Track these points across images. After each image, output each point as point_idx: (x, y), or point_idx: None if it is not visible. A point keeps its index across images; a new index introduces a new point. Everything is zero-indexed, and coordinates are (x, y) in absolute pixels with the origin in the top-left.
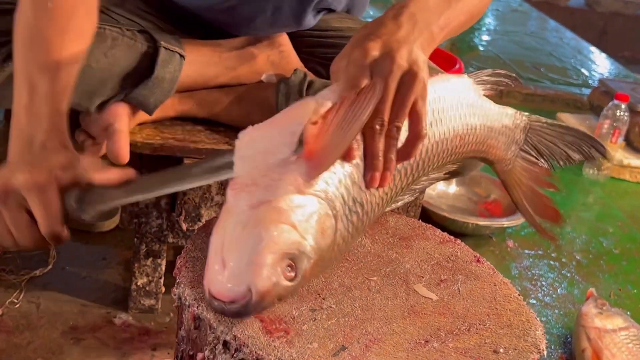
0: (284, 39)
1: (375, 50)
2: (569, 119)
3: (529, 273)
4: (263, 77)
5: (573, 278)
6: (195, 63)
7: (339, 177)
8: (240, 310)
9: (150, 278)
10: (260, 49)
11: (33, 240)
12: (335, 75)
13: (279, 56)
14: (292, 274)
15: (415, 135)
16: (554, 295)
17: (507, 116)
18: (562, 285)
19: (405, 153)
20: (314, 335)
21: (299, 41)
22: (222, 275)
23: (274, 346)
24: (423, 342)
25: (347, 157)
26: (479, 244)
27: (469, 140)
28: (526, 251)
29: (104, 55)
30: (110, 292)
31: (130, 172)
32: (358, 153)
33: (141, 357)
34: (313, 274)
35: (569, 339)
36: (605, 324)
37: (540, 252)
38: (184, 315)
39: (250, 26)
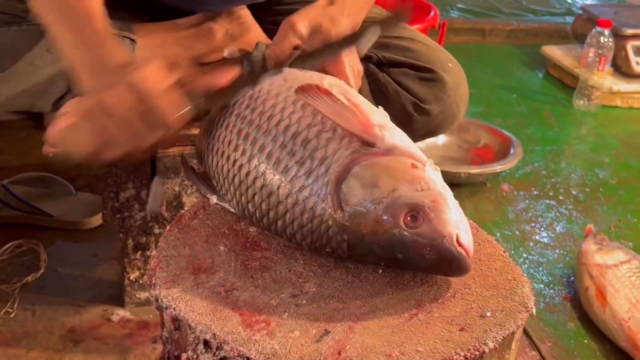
0: (244, 11)
1: None
2: (554, 51)
3: (527, 215)
4: (225, 53)
5: (571, 215)
6: (150, 46)
7: None
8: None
9: (142, 271)
10: (219, 24)
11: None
12: None
13: (240, 29)
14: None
15: None
16: (553, 235)
17: None
18: (561, 224)
19: None
20: (295, 323)
21: (261, 12)
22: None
23: (255, 340)
24: (407, 315)
25: None
26: (474, 191)
27: None
28: (522, 193)
29: (47, 52)
30: (106, 288)
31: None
32: None
33: (143, 351)
34: None
35: (572, 279)
36: (606, 259)
37: (536, 193)
38: (164, 317)
39: (202, 2)
